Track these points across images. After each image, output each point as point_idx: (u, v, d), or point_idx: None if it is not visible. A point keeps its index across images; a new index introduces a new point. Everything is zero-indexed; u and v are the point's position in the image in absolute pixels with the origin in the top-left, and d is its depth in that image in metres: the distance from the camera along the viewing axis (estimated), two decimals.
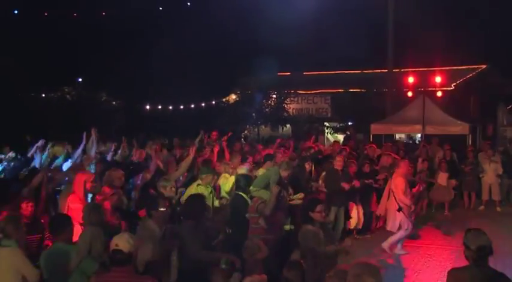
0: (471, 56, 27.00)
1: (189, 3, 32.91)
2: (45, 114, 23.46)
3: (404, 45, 25.09)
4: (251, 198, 7.71)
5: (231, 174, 8.90)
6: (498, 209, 14.61)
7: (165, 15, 32.70)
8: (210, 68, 28.81)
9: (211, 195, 8.01)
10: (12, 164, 9.92)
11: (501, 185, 14.94)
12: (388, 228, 10.12)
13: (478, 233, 4.64)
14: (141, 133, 16.82)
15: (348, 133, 23.47)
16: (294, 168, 8.91)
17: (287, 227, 8.15)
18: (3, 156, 10.85)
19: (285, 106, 26.67)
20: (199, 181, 8.19)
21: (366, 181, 11.20)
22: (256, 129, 26.45)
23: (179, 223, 6.44)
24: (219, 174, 8.86)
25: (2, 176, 9.49)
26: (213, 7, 31.64)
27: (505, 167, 14.92)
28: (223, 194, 8.63)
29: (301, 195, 8.49)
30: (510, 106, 24.03)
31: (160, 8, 32.95)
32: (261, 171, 9.11)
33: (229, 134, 12.85)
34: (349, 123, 25.31)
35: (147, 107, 28.29)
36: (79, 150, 9.50)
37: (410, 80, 21.26)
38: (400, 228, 9.85)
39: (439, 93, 21.01)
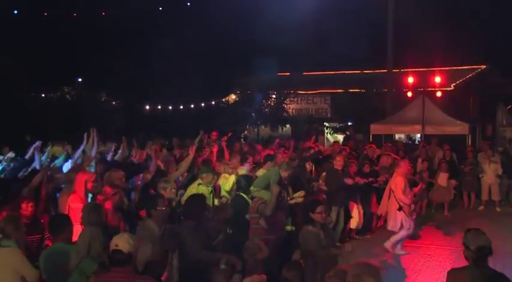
0: (471, 56, 27.02)
1: (189, 3, 32.93)
2: (45, 114, 23.47)
3: (404, 45, 25.12)
4: (252, 198, 7.71)
5: (230, 174, 8.90)
6: (498, 209, 14.61)
7: (165, 15, 32.72)
8: (210, 68, 28.81)
9: (211, 195, 8.02)
10: (12, 164, 9.91)
11: (501, 185, 14.94)
12: (389, 227, 10.11)
13: (477, 233, 4.65)
14: (141, 133, 16.82)
15: (348, 133, 23.46)
16: (294, 169, 8.91)
17: (288, 228, 8.14)
18: (1, 156, 10.84)
19: (285, 106, 26.66)
20: (199, 180, 8.20)
21: (367, 180, 11.23)
22: (255, 130, 26.45)
23: (179, 223, 6.44)
24: (218, 174, 8.87)
25: (2, 176, 9.48)
26: (212, 7, 31.66)
27: (505, 167, 14.92)
28: (223, 193, 8.63)
29: (302, 192, 8.42)
30: (510, 106, 24.03)
31: (160, 8, 32.95)
32: (261, 172, 9.11)
33: (229, 134, 12.84)
34: (349, 124, 25.31)
35: (147, 107, 28.29)
36: (79, 151, 9.50)
37: (410, 80, 21.27)
38: (401, 227, 9.85)
39: (439, 94, 21.03)
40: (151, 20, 31.90)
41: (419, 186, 11.37)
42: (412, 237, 10.74)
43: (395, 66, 23.65)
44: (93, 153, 9.51)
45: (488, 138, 20.88)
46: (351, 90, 25.96)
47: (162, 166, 9.47)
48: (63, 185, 8.03)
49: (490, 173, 14.73)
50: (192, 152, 8.94)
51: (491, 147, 15.80)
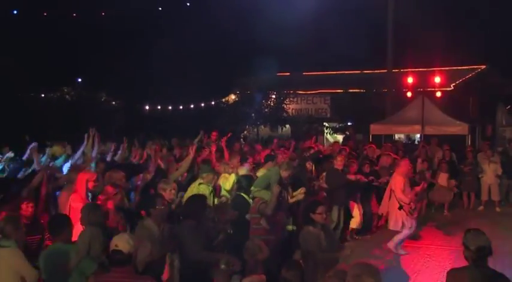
0: (470, 56, 27.01)
1: (188, 3, 32.92)
2: (45, 114, 23.47)
3: (403, 45, 25.11)
4: (252, 198, 7.71)
5: (230, 174, 8.90)
6: (497, 209, 14.62)
7: (165, 15, 32.70)
8: (210, 68, 28.79)
9: (211, 195, 8.03)
10: (11, 165, 9.91)
11: (500, 185, 14.95)
12: (391, 227, 10.09)
13: (477, 233, 4.65)
14: (141, 133, 16.82)
15: (348, 133, 23.48)
16: (295, 168, 8.90)
17: (290, 227, 8.13)
18: (0, 156, 10.84)
19: (285, 106, 26.65)
20: (200, 180, 8.20)
21: (368, 179, 11.25)
22: (255, 130, 26.44)
23: (179, 224, 6.44)
24: (219, 174, 8.88)
25: (4, 175, 9.49)
26: (212, 7, 31.65)
27: (504, 168, 14.93)
28: (223, 193, 8.64)
29: (302, 189, 8.33)
30: (509, 106, 24.01)
31: (160, 8, 32.94)
32: (261, 172, 9.11)
33: (229, 135, 12.85)
34: (349, 124, 25.31)
35: (147, 107, 28.29)
36: (79, 152, 9.49)
37: (410, 80, 21.27)
38: (403, 226, 9.85)
39: (439, 94, 21.03)
40: (151, 20, 31.88)
41: (421, 185, 11.38)
42: (412, 237, 10.73)
43: (395, 66, 23.65)
44: (94, 154, 9.50)
45: (488, 138, 20.88)
46: (351, 91, 25.97)
47: (162, 164, 9.46)
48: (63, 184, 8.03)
49: (490, 173, 14.74)
50: (192, 152, 8.95)
51: (491, 148, 15.81)
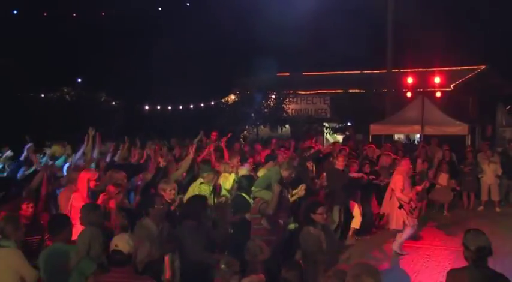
0: (470, 57, 26.98)
1: (188, 3, 32.91)
2: (44, 114, 23.45)
3: (403, 45, 25.10)
4: (253, 199, 7.70)
5: (230, 173, 8.90)
6: (497, 209, 14.62)
7: (165, 15, 32.68)
8: (210, 68, 28.78)
9: (212, 194, 8.03)
10: (11, 165, 9.93)
11: (500, 185, 14.96)
12: (393, 227, 10.07)
13: (477, 233, 4.65)
14: (140, 133, 16.80)
15: (347, 133, 23.48)
16: (295, 168, 8.88)
17: (292, 226, 8.10)
18: (0, 155, 10.85)
19: (284, 106, 26.62)
20: (201, 180, 8.20)
21: (369, 178, 11.27)
22: (255, 130, 26.44)
23: (179, 224, 6.44)
24: (219, 174, 8.87)
25: (5, 175, 9.50)
26: (212, 7, 31.64)
27: (504, 168, 14.93)
28: (223, 192, 8.64)
29: (303, 186, 8.15)
30: (509, 107, 24.04)
31: (160, 9, 32.93)
32: (262, 171, 9.10)
33: (229, 135, 12.85)
34: (348, 124, 25.30)
35: (147, 107, 28.28)
36: (79, 153, 9.49)
37: (410, 80, 21.25)
38: (405, 225, 9.85)
39: (438, 94, 21.01)
40: (151, 20, 31.88)
41: (423, 184, 11.39)
42: (412, 237, 10.73)
43: (395, 66, 23.64)
44: (94, 155, 9.50)
45: (488, 138, 20.88)
46: (351, 91, 25.95)
47: (161, 162, 9.37)
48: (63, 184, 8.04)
49: (490, 173, 14.75)
50: (192, 152, 8.95)
51: (491, 148, 15.81)
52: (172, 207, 7.03)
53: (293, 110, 28.30)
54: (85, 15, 30.50)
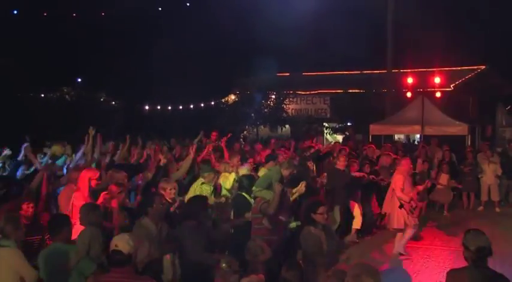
0: (470, 57, 26.99)
1: (188, 3, 32.91)
2: (44, 114, 23.45)
3: (403, 45, 25.10)
4: (254, 198, 7.70)
5: (230, 173, 8.90)
6: (497, 209, 14.63)
7: (164, 15, 32.68)
8: (210, 68, 28.78)
9: (212, 194, 8.04)
10: (11, 164, 9.93)
11: (500, 185, 14.97)
12: (394, 226, 10.04)
13: (477, 233, 4.65)
14: (140, 133, 16.78)
15: (347, 134, 23.49)
16: (296, 167, 8.86)
17: (293, 224, 8.07)
18: None
19: (284, 106, 26.63)
20: (202, 180, 8.20)
21: (370, 177, 11.27)
22: (255, 130, 26.44)
23: (179, 224, 6.44)
24: (219, 173, 8.88)
25: (5, 174, 9.50)
26: (212, 7, 31.63)
27: (504, 168, 14.94)
28: (224, 192, 8.64)
29: (303, 183, 8.12)
30: (509, 107, 24.03)
31: (160, 9, 32.92)
32: (262, 171, 9.10)
33: (229, 135, 12.86)
34: (348, 124, 25.31)
35: (147, 107, 28.27)
36: (80, 153, 9.49)
37: (410, 80, 21.25)
38: (406, 225, 9.84)
39: (438, 94, 21.01)
40: (151, 20, 31.87)
41: (424, 184, 11.39)
42: (412, 237, 10.74)
43: (395, 66, 23.66)
44: (95, 155, 9.49)
45: (488, 138, 20.89)
46: (351, 91, 25.96)
47: (162, 159, 9.30)
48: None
49: (490, 173, 14.75)
50: (192, 152, 8.95)
51: (491, 148, 15.82)
52: (172, 209, 7.04)
53: (293, 110, 28.31)
54: (85, 15, 30.48)
